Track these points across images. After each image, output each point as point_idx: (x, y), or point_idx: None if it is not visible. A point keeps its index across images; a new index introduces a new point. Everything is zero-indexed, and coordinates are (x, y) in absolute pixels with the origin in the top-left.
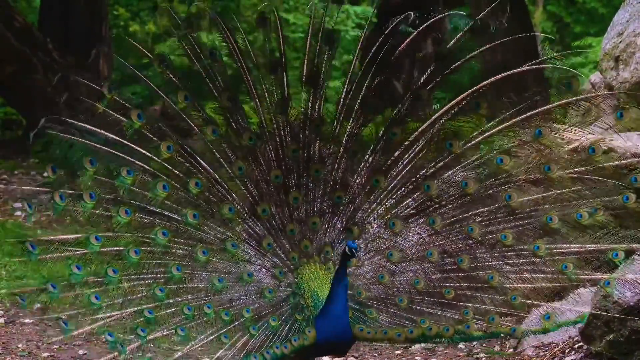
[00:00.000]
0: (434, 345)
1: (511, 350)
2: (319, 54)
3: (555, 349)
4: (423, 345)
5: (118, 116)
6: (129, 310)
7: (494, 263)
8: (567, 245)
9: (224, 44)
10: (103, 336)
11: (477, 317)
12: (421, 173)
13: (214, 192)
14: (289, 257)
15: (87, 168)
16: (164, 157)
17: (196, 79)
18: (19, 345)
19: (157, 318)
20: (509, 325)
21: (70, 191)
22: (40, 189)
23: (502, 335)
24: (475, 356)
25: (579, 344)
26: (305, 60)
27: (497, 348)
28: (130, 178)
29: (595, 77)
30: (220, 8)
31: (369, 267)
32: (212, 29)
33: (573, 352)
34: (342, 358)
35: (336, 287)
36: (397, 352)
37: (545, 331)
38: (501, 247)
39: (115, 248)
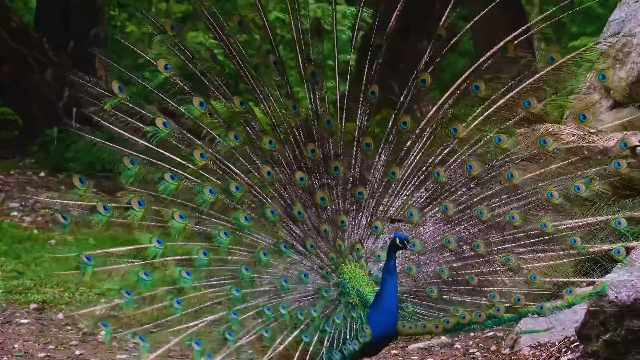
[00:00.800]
0: (431, 345)
1: (508, 350)
2: (304, 46)
3: (552, 349)
4: (419, 345)
5: (142, 126)
6: (210, 316)
7: (507, 245)
8: (571, 220)
9: (222, 46)
10: (190, 345)
11: (503, 300)
12: (430, 161)
13: (252, 197)
14: (329, 257)
15: (128, 167)
16: (199, 164)
17: (198, 85)
18: (15, 346)
19: (242, 321)
20: (536, 304)
21: (115, 204)
22: (83, 203)
23: (530, 314)
24: (471, 356)
25: (576, 344)
26: (299, 56)
27: (493, 348)
28: (174, 183)
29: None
30: (216, 9)
31: (397, 261)
32: (208, 30)
33: (569, 352)
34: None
35: (387, 281)
36: (393, 352)
37: (570, 305)
38: (511, 228)
39: (178, 257)
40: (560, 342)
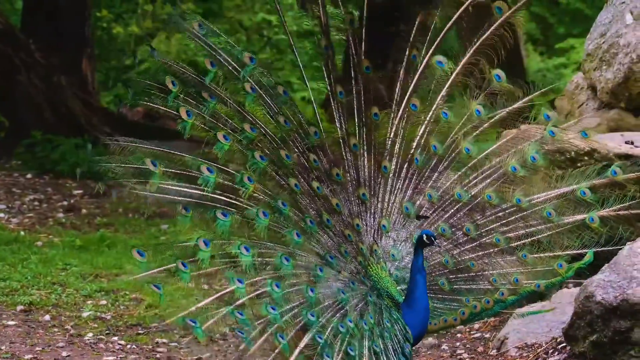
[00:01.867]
0: (418, 346)
1: (495, 351)
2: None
3: (539, 350)
4: None
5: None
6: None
7: (493, 226)
8: (541, 194)
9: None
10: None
11: (503, 282)
12: (405, 147)
13: (293, 210)
14: (357, 261)
15: (184, 214)
16: (250, 190)
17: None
18: (2, 348)
19: (328, 342)
20: (533, 282)
21: (192, 259)
22: (164, 267)
23: (530, 293)
24: (458, 357)
25: (562, 345)
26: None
27: (480, 349)
28: (228, 219)
29: (578, 77)
30: (202, 10)
31: (408, 259)
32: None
33: (556, 353)
34: None
35: (418, 280)
36: None
37: (563, 279)
38: (491, 208)
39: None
40: (547, 343)
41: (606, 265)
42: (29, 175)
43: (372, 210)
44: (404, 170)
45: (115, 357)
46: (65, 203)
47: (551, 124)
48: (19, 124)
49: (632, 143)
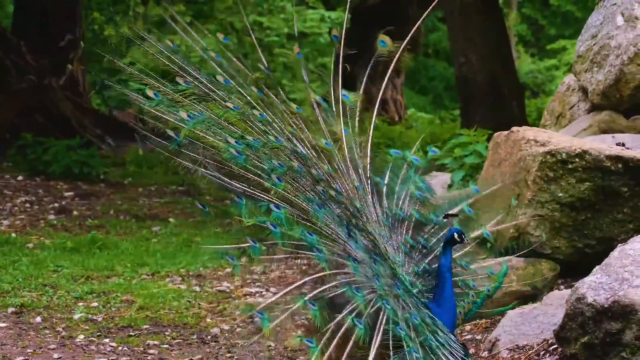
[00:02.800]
0: None
1: (486, 352)
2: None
3: (530, 352)
4: None
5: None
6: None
7: (434, 240)
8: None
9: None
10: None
11: (465, 286)
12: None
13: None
14: (387, 264)
15: (237, 202)
16: (281, 188)
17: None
18: None
19: (406, 332)
20: (485, 285)
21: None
22: (238, 245)
23: (486, 296)
24: None
25: (554, 347)
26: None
27: (472, 351)
28: (282, 211)
29: (569, 79)
30: (193, 12)
31: (407, 265)
32: (187, 33)
33: (548, 355)
34: None
35: (447, 279)
36: None
37: (499, 284)
38: (421, 226)
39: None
40: (538, 344)
41: (597, 267)
42: (20, 177)
43: (371, 221)
44: (368, 186)
45: (106, 359)
46: (56, 205)
47: (409, 153)
48: (10, 126)
49: (623, 145)
